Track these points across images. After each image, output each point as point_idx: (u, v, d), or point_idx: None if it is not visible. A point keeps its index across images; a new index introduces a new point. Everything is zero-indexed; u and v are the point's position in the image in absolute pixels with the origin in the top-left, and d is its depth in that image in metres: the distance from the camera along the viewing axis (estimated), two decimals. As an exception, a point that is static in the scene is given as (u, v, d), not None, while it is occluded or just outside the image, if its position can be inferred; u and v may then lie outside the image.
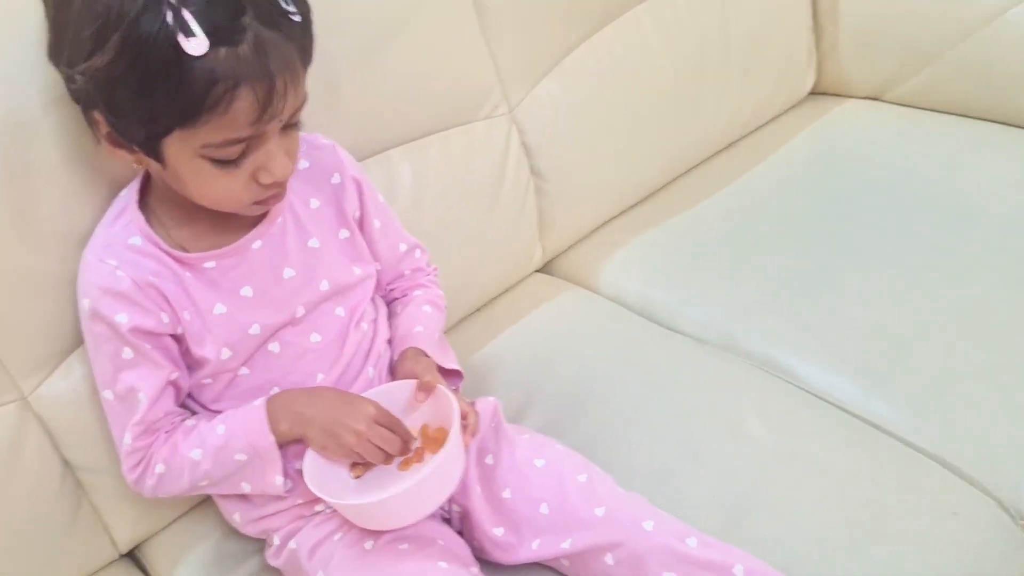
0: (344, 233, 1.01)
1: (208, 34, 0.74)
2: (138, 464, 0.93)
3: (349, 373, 0.99)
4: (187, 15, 0.73)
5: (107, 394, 0.93)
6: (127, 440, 0.92)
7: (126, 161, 0.86)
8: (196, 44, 0.73)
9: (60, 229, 0.93)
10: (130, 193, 0.93)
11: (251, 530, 1.01)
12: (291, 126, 0.86)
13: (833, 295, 1.25)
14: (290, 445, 0.94)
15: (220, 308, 0.92)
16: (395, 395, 0.96)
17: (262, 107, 0.78)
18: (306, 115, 1.05)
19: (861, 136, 1.58)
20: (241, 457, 0.90)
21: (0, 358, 0.94)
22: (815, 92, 1.70)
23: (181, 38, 0.73)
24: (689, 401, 1.13)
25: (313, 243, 0.97)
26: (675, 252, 1.40)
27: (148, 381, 0.90)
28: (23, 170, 0.89)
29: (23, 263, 0.92)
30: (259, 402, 0.92)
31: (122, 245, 0.90)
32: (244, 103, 0.77)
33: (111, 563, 1.09)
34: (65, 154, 0.92)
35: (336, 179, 1.00)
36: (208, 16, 0.74)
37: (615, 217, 1.47)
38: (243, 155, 0.82)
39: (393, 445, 0.90)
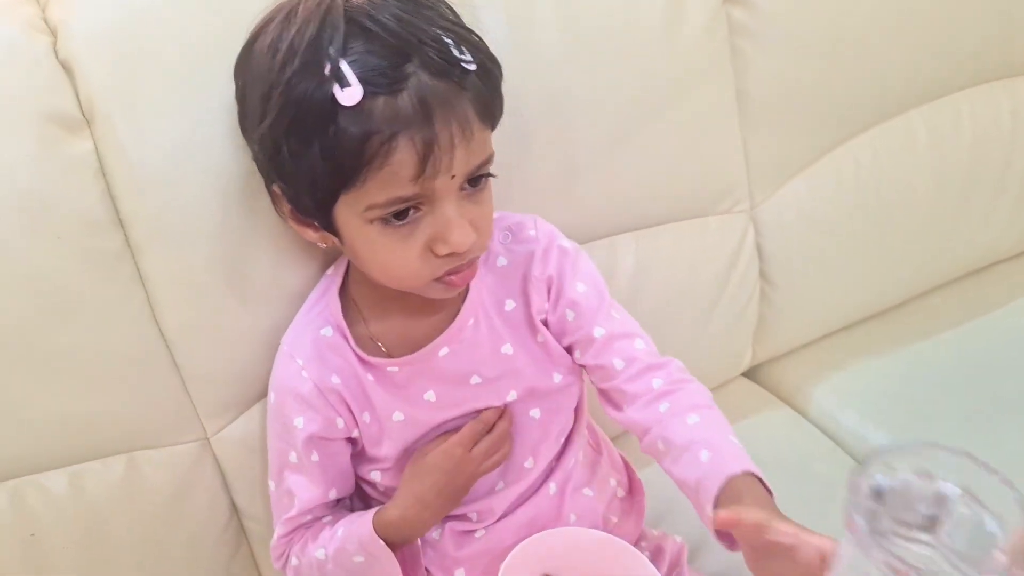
0: (540, 337, 0.92)
1: (364, 83, 0.68)
2: (281, 555, 0.92)
3: (532, 487, 0.93)
4: (344, 65, 0.68)
5: (271, 483, 0.91)
6: (276, 529, 0.91)
7: (312, 239, 0.82)
8: (350, 94, 0.68)
9: (271, 286, 0.90)
10: (335, 275, 0.89)
11: None
12: (475, 191, 0.77)
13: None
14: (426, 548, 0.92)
15: (399, 416, 0.87)
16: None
17: (422, 160, 0.71)
18: (539, 197, 0.97)
19: None
20: (359, 559, 0.87)
21: (192, 397, 0.93)
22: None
23: (336, 89, 0.68)
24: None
25: (506, 349, 0.89)
26: (901, 389, 1.24)
27: (304, 493, 0.88)
28: (248, 225, 0.87)
29: (230, 313, 0.90)
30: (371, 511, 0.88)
31: (312, 338, 0.87)
32: (402, 156, 0.70)
33: (257, 606, 1.08)
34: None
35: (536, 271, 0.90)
36: (367, 65, 0.69)
37: (836, 331, 1.33)
38: (415, 219, 0.75)
39: (501, 450, 0.89)
